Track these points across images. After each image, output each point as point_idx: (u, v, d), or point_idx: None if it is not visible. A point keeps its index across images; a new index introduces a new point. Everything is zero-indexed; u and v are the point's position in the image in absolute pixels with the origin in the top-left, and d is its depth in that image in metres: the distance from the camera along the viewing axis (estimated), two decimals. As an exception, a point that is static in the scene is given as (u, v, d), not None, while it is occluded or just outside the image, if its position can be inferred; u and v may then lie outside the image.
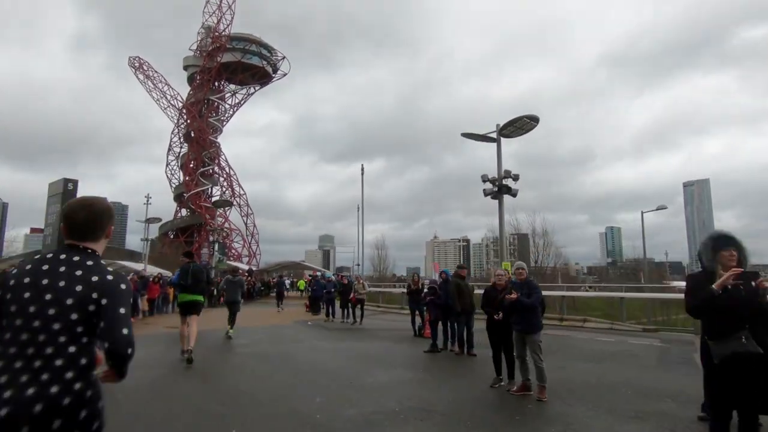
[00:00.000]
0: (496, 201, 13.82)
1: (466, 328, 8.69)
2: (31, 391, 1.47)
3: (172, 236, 61.44)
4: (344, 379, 6.34)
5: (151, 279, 17.25)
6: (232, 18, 62.26)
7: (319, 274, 23.89)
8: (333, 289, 17.14)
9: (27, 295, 1.59)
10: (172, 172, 64.55)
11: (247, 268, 39.01)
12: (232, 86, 67.25)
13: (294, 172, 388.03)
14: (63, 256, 1.67)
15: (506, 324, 5.68)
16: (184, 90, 65.85)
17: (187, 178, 62.38)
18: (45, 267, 1.64)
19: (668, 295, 15.97)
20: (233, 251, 62.32)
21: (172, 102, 65.27)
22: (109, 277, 1.66)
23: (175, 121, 64.15)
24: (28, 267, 1.66)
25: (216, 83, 64.88)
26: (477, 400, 5.37)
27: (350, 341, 10.86)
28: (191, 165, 62.65)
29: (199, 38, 65.05)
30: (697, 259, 3.26)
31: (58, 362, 1.53)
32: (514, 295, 5.30)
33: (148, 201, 35.97)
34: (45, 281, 1.60)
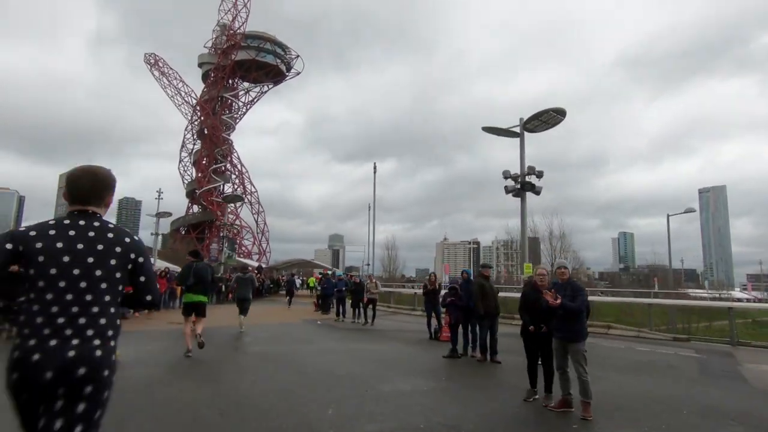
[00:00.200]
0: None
1: (490, 332, 8.00)
2: (75, 341, 1.59)
3: (183, 232, 61.65)
4: (359, 386, 5.72)
5: (158, 273, 16.86)
6: (247, 16, 62.32)
7: (330, 272, 23.33)
8: (344, 288, 16.61)
9: (66, 258, 1.66)
10: (185, 168, 64.88)
11: (256, 265, 38.71)
12: (246, 84, 67.31)
13: (306, 171, 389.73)
14: (82, 222, 1.74)
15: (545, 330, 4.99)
16: (198, 87, 66.16)
17: (199, 175, 62.57)
18: (71, 233, 1.71)
19: (700, 303, 15.00)
20: (244, 248, 62.28)
21: (186, 99, 65.57)
22: (136, 237, 1.84)
23: (189, 118, 64.44)
24: (52, 232, 1.69)
25: (230, 81, 64.96)
26: (511, 416, 4.70)
27: (363, 343, 10.24)
28: (204, 162, 62.82)
29: (214, 36, 65.24)
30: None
31: (102, 320, 1.67)
32: (557, 300, 4.62)
33: (159, 196, 35.91)
34: (80, 245, 1.68)
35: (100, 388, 1.63)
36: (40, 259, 1.65)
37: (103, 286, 1.68)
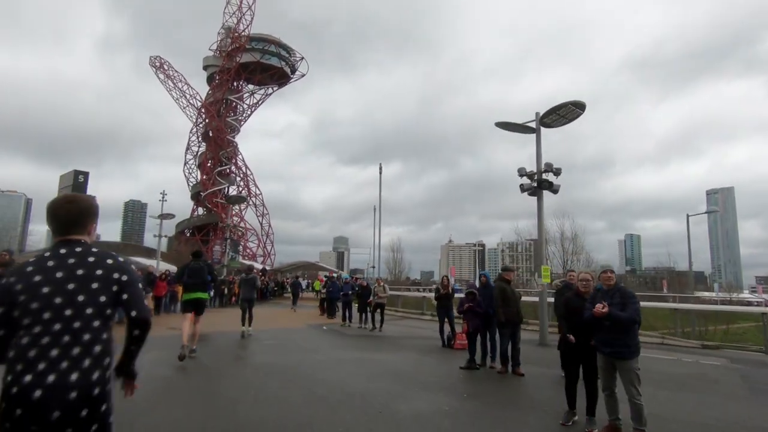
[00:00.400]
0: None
1: (512, 342, 7.33)
2: (74, 376, 1.55)
3: (188, 234, 61.37)
4: (372, 405, 5.07)
5: (158, 276, 16.32)
6: (252, 19, 62.21)
7: (335, 275, 22.70)
8: (350, 292, 15.98)
9: (46, 290, 1.63)
10: (190, 170, 64.77)
11: (260, 267, 38.20)
12: (251, 86, 67.15)
13: (310, 174, 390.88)
14: (63, 251, 1.73)
15: (588, 343, 4.32)
16: (203, 90, 66.11)
17: (204, 177, 62.41)
18: (50, 263, 1.69)
19: (730, 308, 14.18)
20: (248, 251, 61.94)
21: (191, 101, 65.52)
22: (120, 259, 1.81)
23: (194, 121, 64.32)
24: (30, 269, 1.69)
25: (235, 83, 64.83)
26: (552, 445, 4.03)
27: (372, 351, 9.58)
28: (208, 164, 62.65)
29: (219, 39, 65.17)
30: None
31: (97, 348, 1.62)
32: (604, 308, 3.95)
33: (163, 198, 35.64)
34: (59, 274, 1.66)
35: (104, 425, 1.63)
36: (21, 298, 1.62)
37: (89, 311, 1.63)
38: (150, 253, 48.25)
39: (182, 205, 67.18)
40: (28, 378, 1.52)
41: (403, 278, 53.63)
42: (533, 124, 12.36)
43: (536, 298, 12.29)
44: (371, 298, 14.04)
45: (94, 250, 1.76)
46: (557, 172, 12.07)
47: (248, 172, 66.01)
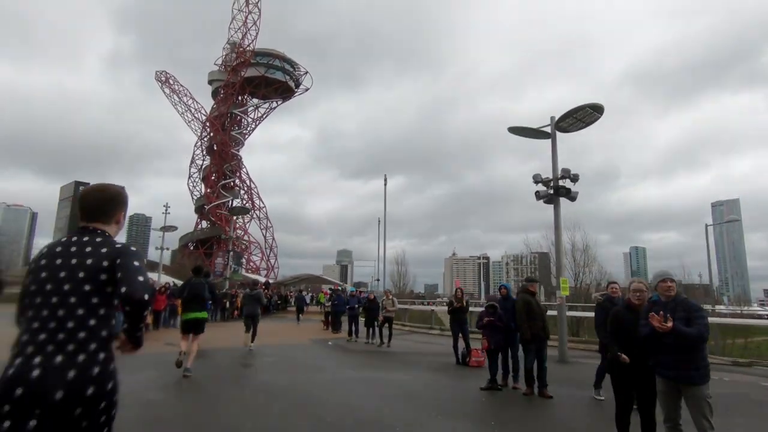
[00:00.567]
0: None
1: (538, 360, 6.66)
2: (59, 358, 1.55)
3: (192, 247, 60.95)
4: (389, 435, 4.43)
5: (158, 289, 15.74)
6: (257, 34, 62.90)
7: (340, 287, 22.06)
8: (357, 305, 15.32)
9: (44, 274, 1.69)
10: (194, 184, 64.73)
11: (264, 281, 37.56)
12: (255, 100, 67.52)
13: (314, 187, 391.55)
14: (74, 238, 1.77)
15: (644, 365, 3.69)
16: (208, 104, 66.51)
17: (208, 191, 62.30)
18: (58, 249, 1.75)
19: (756, 322, 13.38)
20: (252, 264, 61.37)
21: (196, 115, 65.86)
22: (118, 245, 1.78)
23: (199, 134, 64.53)
24: (45, 250, 1.78)
25: (239, 97, 65.21)
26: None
27: (383, 370, 8.89)
28: (213, 177, 62.59)
29: (224, 53, 65.81)
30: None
31: (81, 334, 1.61)
32: (669, 322, 3.34)
33: (166, 210, 35.30)
34: (58, 261, 1.71)
35: (111, 403, 1.63)
36: (30, 278, 1.71)
37: (72, 300, 1.63)
38: (153, 266, 47.90)
39: (186, 219, 66.89)
40: (18, 360, 1.55)
41: (407, 291, 52.69)
42: (548, 129, 11.85)
43: (554, 312, 11.61)
44: (379, 312, 13.38)
45: (98, 240, 1.75)
46: (574, 179, 11.51)
47: (252, 185, 65.96)
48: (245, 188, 65.28)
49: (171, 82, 66.09)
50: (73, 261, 1.68)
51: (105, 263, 1.68)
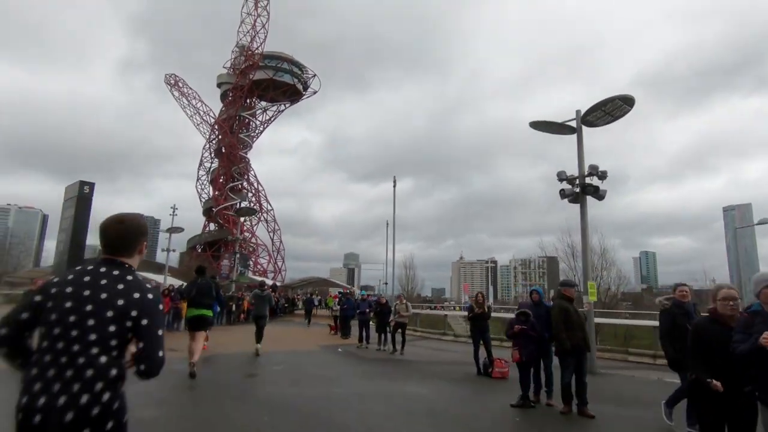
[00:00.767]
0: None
1: (577, 374, 5.92)
2: (62, 400, 1.51)
3: (200, 250, 60.81)
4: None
5: (162, 292, 15.20)
6: (266, 37, 62.88)
7: (349, 291, 21.42)
8: (368, 310, 14.65)
9: (68, 304, 1.62)
10: (202, 186, 64.69)
11: (271, 283, 37.10)
12: (264, 103, 67.48)
13: (322, 190, 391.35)
14: (103, 269, 1.72)
15: (739, 390, 2.96)
16: (216, 107, 66.57)
17: (216, 193, 62.23)
18: (87, 278, 1.69)
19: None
20: (259, 266, 61.05)
21: (204, 118, 65.97)
22: (150, 296, 1.72)
23: (207, 137, 64.59)
24: (71, 277, 1.70)
25: (248, 100, 65.20)
26: None
27: (399, 381, 8.17)
28: (221, 180, 62.55)
29: (233, 56, 65.93)
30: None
31: (89, 373, 1.56)
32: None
33: (173, 212, 35.00)
34: (87, 292, 1.65)
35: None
36: (49, 305, 1.64)
37: (92, 337, 1.59)
38: (161, 268, 47.77)
39: (194, 221, 66.88)
40: (24, 399, 1.52)
41: (415, 295, 51.97)
42: (574, 123, 11.11)
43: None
44: (392, 317, 12.69)
45: (128, 278, 1.72)
46: (602, 176, 10.76)
47: (260, 188, 65.78)
48: (253, 191, 65.17)
49: (180, 85, 66.33)
50: (103, 296, 1.63)
51: (134, 312, 1.64)
